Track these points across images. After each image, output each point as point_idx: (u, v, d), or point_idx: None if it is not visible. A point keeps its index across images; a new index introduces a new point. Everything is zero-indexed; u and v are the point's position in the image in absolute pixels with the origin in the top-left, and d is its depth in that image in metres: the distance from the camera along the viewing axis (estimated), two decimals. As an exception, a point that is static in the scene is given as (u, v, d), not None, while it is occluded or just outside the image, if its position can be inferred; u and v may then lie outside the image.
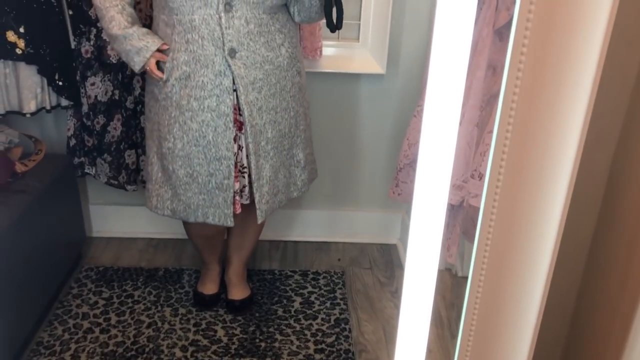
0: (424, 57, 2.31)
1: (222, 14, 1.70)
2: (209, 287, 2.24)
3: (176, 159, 1.84)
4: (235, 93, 1.78)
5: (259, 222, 1.94)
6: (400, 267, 2.51)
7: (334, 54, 2.31)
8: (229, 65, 1.74)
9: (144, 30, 1.78)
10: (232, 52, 1.73)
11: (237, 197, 1.92)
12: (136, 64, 1.78)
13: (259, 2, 1.73)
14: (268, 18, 1.77)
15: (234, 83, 1.77)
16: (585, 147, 0.86)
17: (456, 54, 0.82)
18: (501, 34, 1.62)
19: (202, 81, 1.75)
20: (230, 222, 1.90)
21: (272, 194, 1.94)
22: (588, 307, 1.27)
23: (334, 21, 1.76)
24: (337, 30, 1.80)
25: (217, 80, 1.75)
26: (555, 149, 0.87)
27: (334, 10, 1.75)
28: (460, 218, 1.73)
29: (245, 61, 1.76)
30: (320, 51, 2.22)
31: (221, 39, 1.72)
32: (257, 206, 1.91)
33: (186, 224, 2.10)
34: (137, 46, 1.76)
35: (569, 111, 0.85)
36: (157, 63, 1.78)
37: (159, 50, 1.77)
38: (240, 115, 1.82)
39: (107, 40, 2.07)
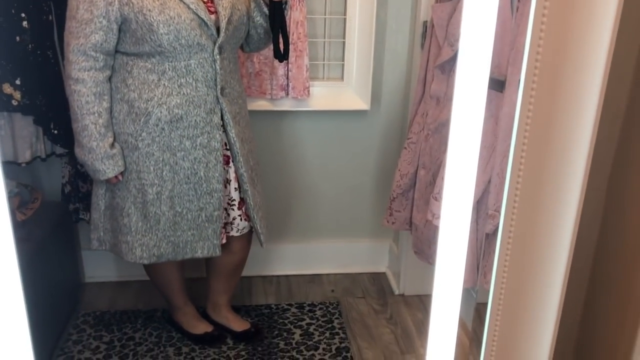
0: (404, 93, 2.45)
1: (217, 57, 1.80)
2: (201, 326, 2.27)
3: (166, 200, 1.88)
4: (222, 129, 1.88)
5: (264, 246, 2.07)
6: (392, 294, 2.59)
7: (320, 93, 2.42)
8: (219, 103, 1.85)
9: (110, 152, 1.80)
10: (222, 91, 1.85)
11: (229, 230, 2.02)
12: (91, 174, 1.86)
13: (237, 42, 1.89)
14: (236, 55, 1.95)
15: (222, 119, 1.87)
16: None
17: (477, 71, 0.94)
18: (442, 67, 1.83)
19: (195, 120, 1.83)
20: (218, 252, 1.97)
21: (264, 218, 2.07)
22: (594, 321, 1.38)
23: (282, 51, 1.94)
24: (284, 60, 2.03)
25: (208, 118, 1.85)
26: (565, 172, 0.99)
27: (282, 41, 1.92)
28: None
29: (229, 97, 1.88)
30: (308, 90, 2.33)
31: (214, 79, 1.82)
32: (260, 231, 2.03)
33: (154, 269, 2.14)
34: (95, 167, 1.80)
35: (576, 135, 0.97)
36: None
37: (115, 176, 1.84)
38: (227, 149, 1.92)
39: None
